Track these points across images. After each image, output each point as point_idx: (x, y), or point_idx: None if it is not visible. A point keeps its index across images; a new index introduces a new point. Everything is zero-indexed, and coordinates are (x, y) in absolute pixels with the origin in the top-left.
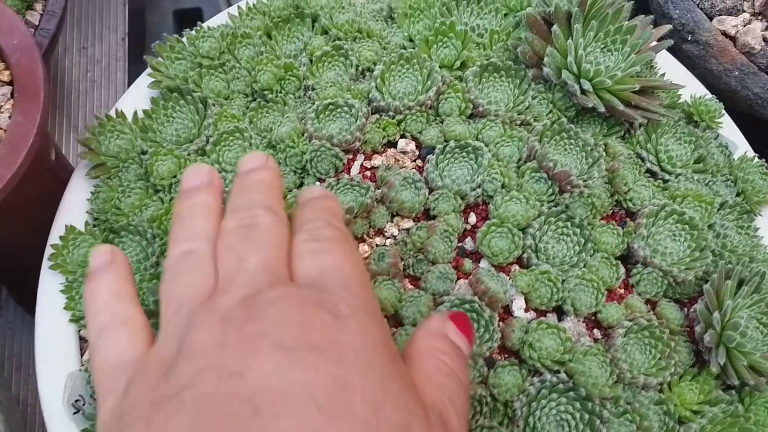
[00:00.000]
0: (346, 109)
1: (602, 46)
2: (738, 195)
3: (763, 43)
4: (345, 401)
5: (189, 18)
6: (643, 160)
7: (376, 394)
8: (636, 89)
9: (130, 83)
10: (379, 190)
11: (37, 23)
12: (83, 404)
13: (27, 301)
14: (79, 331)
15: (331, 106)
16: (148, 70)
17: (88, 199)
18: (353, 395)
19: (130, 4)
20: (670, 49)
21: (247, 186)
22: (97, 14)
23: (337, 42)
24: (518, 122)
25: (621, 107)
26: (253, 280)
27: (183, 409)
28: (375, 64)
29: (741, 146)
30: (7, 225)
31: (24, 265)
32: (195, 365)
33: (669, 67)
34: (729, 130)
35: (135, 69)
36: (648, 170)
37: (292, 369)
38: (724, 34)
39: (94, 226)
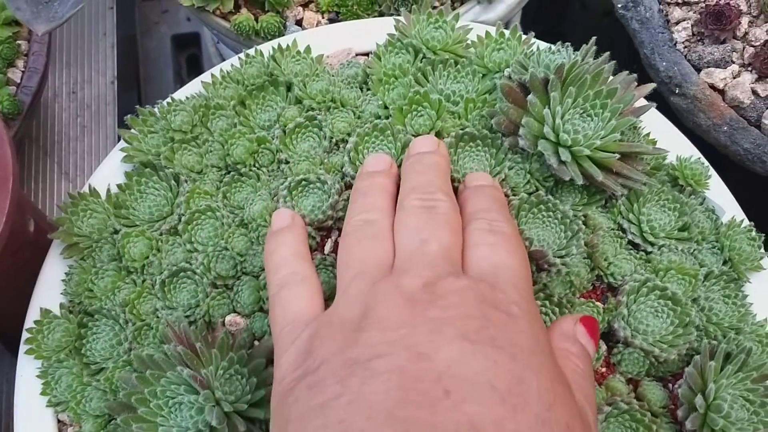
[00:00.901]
0: (318, 185)
1: (581, 111)
2: (725, 263)
3: (752, 97)
4: (523, 396)
5: (187, 43)
6: (624, 231)
7: (548, 393)
8: (617, 157)
9: (120, 123)
10: None
11: (19, 81)
12: None
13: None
14: (57, 414)
15: (303, 182)
16: (121, 143)
17: (62, 280)
18: (529, 391)
19: (123, 30)
20: (658, 102)
21: (424, 167)
22: (85, 57)
23: (311, 112)
24: None
25: (600, 178)
26: (433, 265)
27: (377, 377)
28: (349, 135)
29: (729, 209)
30: None
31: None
32: (384, 337)
33: (656, 124)
34: (717, 190)
35: (128, 98)
36: (630, 242)
37: (477, 359)
38: (713, 87)
39: (70, 310)
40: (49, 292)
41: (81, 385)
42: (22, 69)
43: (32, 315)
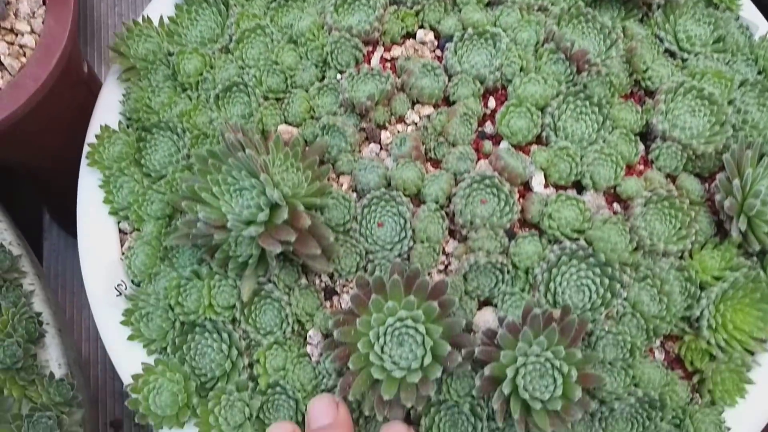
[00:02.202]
0: (364, 1)
1: None
2: (759, 73)
3: None
4: None
5: None
6: (661, 40)
7: None
8: None
9: None
10: (399, 79)
11: None
12: (124, 288)
13: (68, 223)
14: (119, 222)
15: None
16: None
17: (120, 101)
18: None
19: None
20: None
21: None
22: None
23: None
24: (535, 8)
25: None
26: None
27: None
28: None
29: (762, 26)
30: (47, 135)
31: (64, 184)
32: None
33: None
34: (749, 11)
35: None
36: (666, 50)
37: None
38: None
39: (128, 125)
40: (107, 114)
41: (142, 189)
42: None
43: (92, 131)
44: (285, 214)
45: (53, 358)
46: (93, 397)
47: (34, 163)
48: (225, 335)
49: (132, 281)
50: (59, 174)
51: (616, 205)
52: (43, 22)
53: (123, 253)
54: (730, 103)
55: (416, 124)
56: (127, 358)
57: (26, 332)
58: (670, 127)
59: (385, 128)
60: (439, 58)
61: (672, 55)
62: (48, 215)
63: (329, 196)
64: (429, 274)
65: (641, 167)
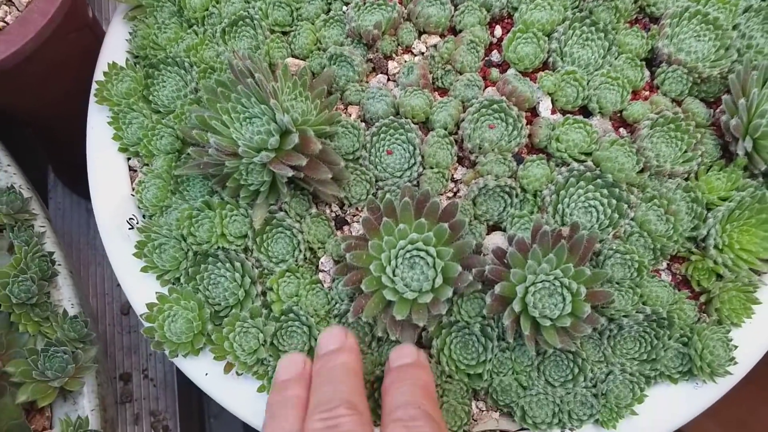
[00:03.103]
0: None
1: None
2: (765, 0)
3: None
4: None
5: None
6: None
7: None
8: None
9: None
10: (406, 8)
11: None
12: (136, 222)
13: (73, 181)
14: (128, 159)
15: None
16: None
17: (127, 40)
18: None
19: None
20: None
21: (330, 374)
22: None
23: None
24: None
25: None
26: None
27: None
28: None
29: None
30: (53, 79)
31: (68, 134)
32: None
33: None
34: None
35: None
36: None
37: None
38: None
39: (135, 63)
40: (115, 52)
41: (152, 123)
42: None
43: (101, 68)
44: (296, 139)
45: (66, 298)
46: (101, 351)
47: (39, 110)
48: (238, 264)
49: (143, 215)
50: (64, 122)
51: (622, 130)
52: None
53: (134, 188)
54: (734, 27)
55: (423, 53)
56: (141, 290)
57: (39, 270)
58: (676, 51)
59: (392, 58)
60: None
61: None
62: (53, 174)
63: (338, 124)
64: (439, 198)
65: (647, 92)
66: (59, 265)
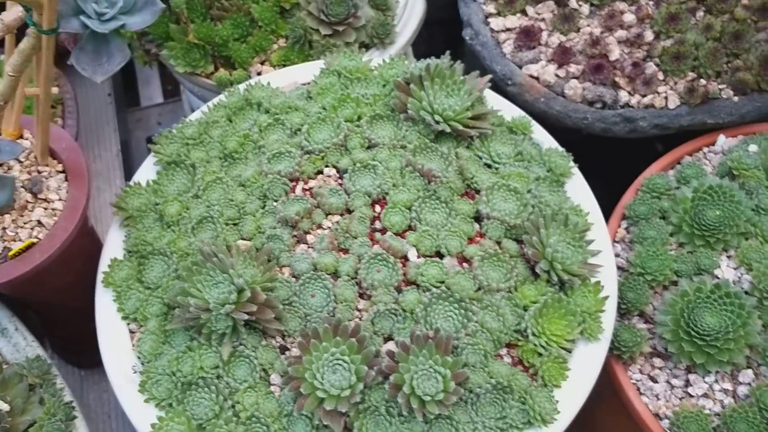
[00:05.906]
0: (287, 154)
1: (445, 93)
2: (548, 171)
3: (556, 77)
4: None
5: None
6: (480, 158)
7: None
8: (470, 116)
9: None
10: (316, 200)
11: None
12: (137, 368)
13: (66, 352)
14: (128, 324)
15: (277, 153)
16: (151, 155)
17: (123, 241)
18: None
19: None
20: (500, 91)
21: None
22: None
23: (276, 116)
24: (398, 146)
25: (461, 128)
26: None
27: None
28: (302, 125)
29: (548, 142)
30: (63, 276)
31: (66, 318)
32: None
33: (500, 102)
34: (539, 134)
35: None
36: (485, 164)
37: None
38: (531, 76)
39: (130, 256)
40: (113, 249)
41: (145, 296)
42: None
43: (104, 262)
44: (248, 294)
45: None
46: None
47: (49, 299)
48: (213, 387)
49: (142, 363)
50: (65, 306)
51: (464, 264)
52: (67, 192)
53: (133, 345)
54: (528, 192)
55: (330, 228)
56: (144, 415)
57: (64, 414)
58: (492, 210)
59: (309, 233)
60: (341, 184)
61: (489, 166)
62: (50, 350)
63: (276, 281)
64: (348, 323)
65: (478, 238)
66: (76, 410)
